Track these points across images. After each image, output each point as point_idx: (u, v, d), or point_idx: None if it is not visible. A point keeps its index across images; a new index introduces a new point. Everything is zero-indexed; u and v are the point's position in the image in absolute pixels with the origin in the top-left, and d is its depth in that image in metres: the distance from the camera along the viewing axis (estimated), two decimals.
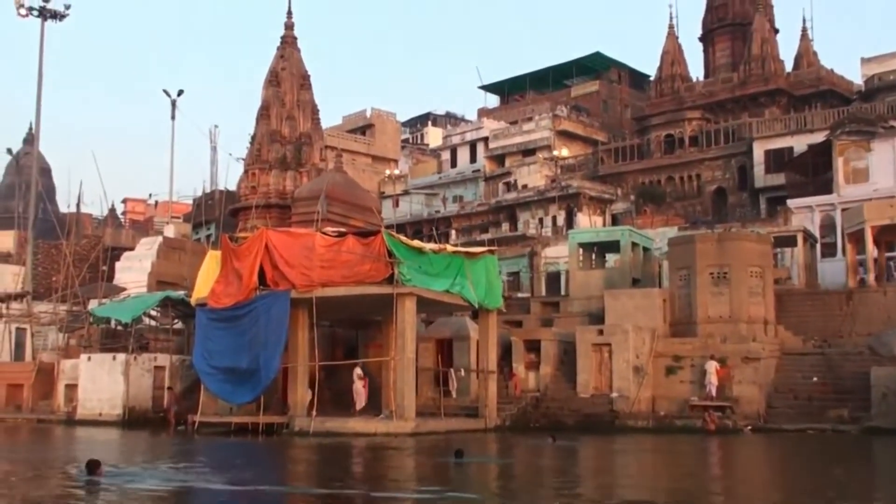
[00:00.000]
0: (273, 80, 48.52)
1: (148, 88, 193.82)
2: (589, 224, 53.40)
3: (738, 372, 30.93)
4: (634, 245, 39.66)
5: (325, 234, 28.08)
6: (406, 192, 67.51)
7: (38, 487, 14.89)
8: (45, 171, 69.50)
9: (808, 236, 40.98)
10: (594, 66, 74.32)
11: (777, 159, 52.91)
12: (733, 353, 31.16)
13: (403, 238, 29.12)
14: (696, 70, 67.05)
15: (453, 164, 68.81)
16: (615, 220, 55.55)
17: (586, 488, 15.38)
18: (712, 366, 30.63)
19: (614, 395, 31.11)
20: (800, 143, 51.87)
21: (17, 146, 68.50)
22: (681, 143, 58.59)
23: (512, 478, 17.23)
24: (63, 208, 66.68)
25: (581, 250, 40.77)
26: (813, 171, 49.39)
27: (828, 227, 44.43)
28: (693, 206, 57.03)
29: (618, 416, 30.51)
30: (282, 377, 29.27)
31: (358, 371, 29.32)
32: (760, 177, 53.63)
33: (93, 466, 14.84)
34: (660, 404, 31.65)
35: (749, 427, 29.15)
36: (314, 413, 27.14)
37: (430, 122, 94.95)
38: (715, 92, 62.29)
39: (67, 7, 49.81)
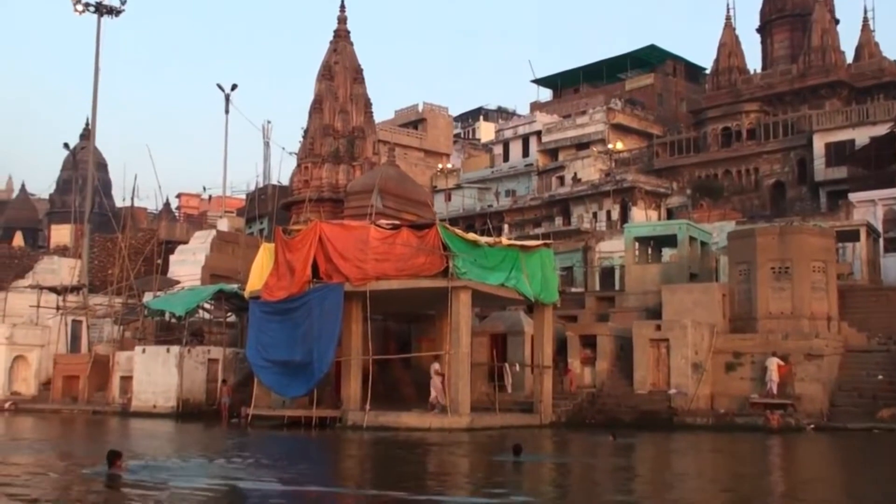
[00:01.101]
0: (326, 73, 48.48)
1: (202, 83, 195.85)
2: (644, 218, 52.59)
3: (800, 369, 30.15)
4: (692, 239, 38.86)
5: (379, 226, 27.79)
6: (458, 187, 67.18)
7: (49, 483, 14.06)
8: (102, 166, 70.31)
9: (870, 231, 39.95)
10: (649, 59, 73.28)
11: (838, 152, 51.71)
12: (795, 350, 30.38)
13: (458, 231, 28.75)
14: (753, 62, 65.94)
15: (506, 158, 68.29)
16: (670, 215, 54.68)
17: (650, 490, 14.72)
18: (774, 363, 29.90)
19: (672, 391, 30.48)
20: (861, 136, 50.67)
21: (74, 142, 69.35)
22: (738, 136, 57.55)
23: (574, 478, 16.55)
24: (119, 203, 67.41)
25: (637, 244, 40.06)
26: (875, 164, 48.14)
27: (891, 221, 43.26)
28: (751, 201, 55.96)
29: (676, 413, 29.88)
30: (335, 371, 29.07)
31: (436, 366, 28.85)
32: (821, 170, 52.46)
33: (112, 458, 13.86)
34: (719, 401, 30.98)
35: (812, 425, 28.39)
36: (367, 407, 26.88)
37: (481, 117, 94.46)
38: (773, 84, 61.10)
39: (123, 3, 50.19)
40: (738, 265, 34.10)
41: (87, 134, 59.70)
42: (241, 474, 14.91)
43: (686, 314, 32.16)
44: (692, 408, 30.26)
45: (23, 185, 74.41)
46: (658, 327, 31.58)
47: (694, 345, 30.90)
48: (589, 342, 33.33)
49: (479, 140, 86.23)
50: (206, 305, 38.59)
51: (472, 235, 29.24)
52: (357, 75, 49.20)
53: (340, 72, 48.67)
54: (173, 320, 38.65)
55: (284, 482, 13.95)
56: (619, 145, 61.64)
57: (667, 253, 41.61)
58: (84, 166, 56.65)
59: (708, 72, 68.79)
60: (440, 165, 70.63)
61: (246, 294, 30.63)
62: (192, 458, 18.10)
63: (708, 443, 25.09)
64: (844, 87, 58.22)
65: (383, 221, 29.27)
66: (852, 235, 39.78)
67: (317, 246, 27.43)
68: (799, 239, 33.00)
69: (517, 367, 31.69)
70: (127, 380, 35.98)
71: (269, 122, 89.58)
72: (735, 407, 30.43)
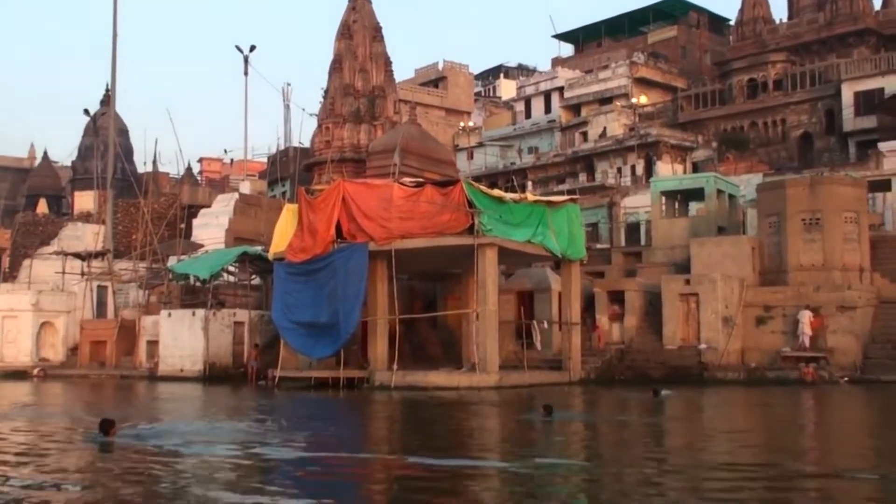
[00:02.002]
0: (345, 32, 47.95)
1: (220, 46, 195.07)
2: (670, 173, 51.91)
3: (832, 321, 29.76)
4: (719, 192, 38.30)
5: (402, 184, 27.43)
6: (480, 145, 66.61)
7: (38, 451, 13.13)
8: (123, 132, 70.01)
9: None
10: (671, 10, 72.07)
11: (867, 101, 50.74)
12: (827, 303, 29.96)
13: (483, 187, 28.32)
14: (779, 11, 64.79)
15: (527, 115, 67.58)
16: (696, 168, 53.95)
17: (711, 451, 13.15)
18: (806, 315, 29.52)
19: (702, 346, 30.14)
20: (891, 84, 49.68)
21: (94, 108, 69.08)
22: (764, 87, 56.61)
23: (607, 437, 15.79)
24: (141, 168, 67.22)
25: (664, 199, 39.50)
26: None
27: None
28: (778, 152, 55.16)
29: (707, 368, 29.57)
30: (361, 331, 28.86)
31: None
32: (849, 120, 51.54)
33: (107, 427, 13.33)
34: (750, 356, 30.65)
35: (846, 378, 28.03)
36: (395, 367, 26.68)
37: (501, 75, 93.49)
38: (800, 33, 59.97)
39: None
40: (767, 217, 33.55)
41: (108, 100, 59.41)
42: (260, 438, 14.43)
43: (715, 268, 31.72)
44: (722, 362, 29.95)
45: (45, 153, 74.22)
46: (687, 281, 31.18)
47: (724, 299, 30.50)
48: (617, 298, 32.96)
49: (499, 98, 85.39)
50: (231, 268, 38.43)
51: (497, 192, 28.84)
52: (376, 34, 48.65)
53: (359, 30, 48.14)
54: (198, 284, 38.55)
55: (309, 447, 13.23)
56: (644, 99, 60.84)
57: (693, 207, 41.06)
58: (105, 132, 56.40)
59: (732, 23, 67.59)
60: (462, 124, 69.99)
61: (270, 256, 30.41)
62: (216, 421, 17.75)
63: (742, 397, 24.70)
64: (872, 35, 57.06)
65: (407, 179, 28.90)
66: (883, 185, 39.15)
67: (340, 205, 27.13)
68: (830, 189, 32.39)
69: (545, 325, 31.36)
70: (153, 344, 35.97)
71: (288, 84, 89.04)
72: (766, 361, 30.12)
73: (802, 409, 21.99)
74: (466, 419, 18.26)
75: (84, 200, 64.70)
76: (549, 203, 29.94)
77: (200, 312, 34.29)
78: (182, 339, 34.23)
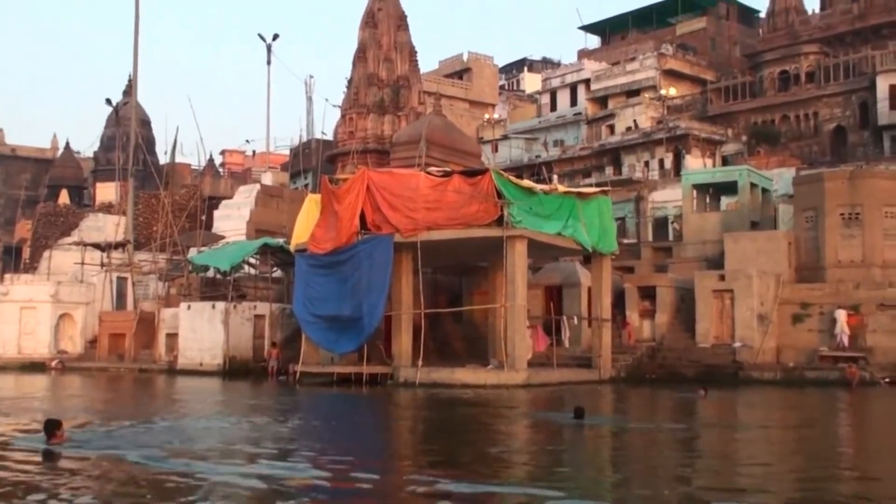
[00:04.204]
0: (369, 21, 47.14)
1: (243, 35, 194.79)
2: (699, 167, 50.77)
3: (872, 320, 28.79)
4: (753, 186, 37.27)
5: (429, 174, 26.56)
6: (505, 137, 65.60)
7: None
8: (145, 123, 69.57)
9: None
10: (700, 1, 70.69)
11: None
12: (867, 300, 28.99)
13: (512, 177, 27.41)
14: (811, 2, 63.44)
15: (553, 107, 66.46)
16: (725, 162, 52.74)
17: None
18: (842, 314, 28.59)
19: (737, 344, 29.18)
20: None
21: (117, 98, 68.66)
22: (796, 79, 55.34)
23: (641, 447, 13.69)
24: (163, 160, 66.76)
25: (695, 192, 38.49)
26: None
27: None
28: (810, 147, 53.89)
29: (741, 367, 28.60)
30: (384, 326, 28.05)
31: None
32: (884, 113, 50.17)
33: (51, 429, 11.52)
34: (785, 355, 29.68)
35: (887, 379, 26.99)
36: (419, 363, 25.85)
37: (525, 68, 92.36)
38: (833, 24, 58.57)
39: None
40: (804, 212, 32.55)
41: (130, 90, 58.93)
42: (250, 446, 12.41)
43: (749, 263, 30.78)
44: (758, 361, 28.99)
45: (67, 143, 73.94)
46: (722, 277, 30.21)
47: (759, 295, 29.53)
48: (648, 294, 32.05)
49: (523, 92, 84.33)
50: (252, 260, 37.75)
51: (527, 182, 27.97)
52: (401, 22, 47.81)
53: (384, 19, 47.32)
54: (218, 276, 37.89)
55: (316, 463, 10.81)
56: (672, 91, 59.63)
57: (724, 202, 40.04)
58: (127, 123, 55.92)
59: (762, 14, 66.24)
60: (486, 115, 69.03)
61: (291, 247, 29.65)
62: (208, 419, 16.72)
63: (781, 399, 23.65)
64: None
65: (434, 169, 28.03)
66: None
67: (364, 195, 26.30)
68: (870, 183, 31.36)
69: (575, 321, 30.43)
70: (173, 337, 35.34)
71: (311, 76, 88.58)
72: (803, 360, 29.16)
73: (878, 415, 20.75)
74: (492, 423, 16.82)
75: (106, 191, 64.41)
76: (580, 195, 29.05)
77: (220, 305, 33.61)
78: (202, 332, 33.55)
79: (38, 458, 10.87)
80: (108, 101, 64.97)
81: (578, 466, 11.13)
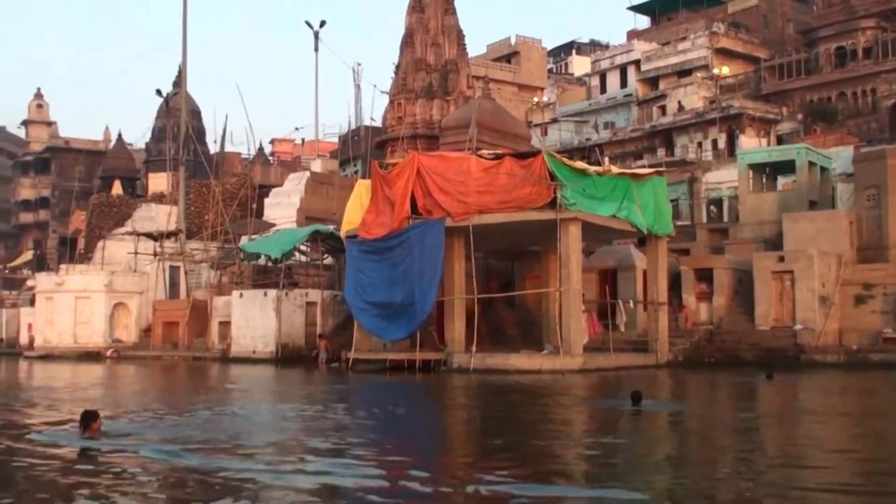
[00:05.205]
0: (417, 5, 46.76)
1: (290, 22, 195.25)
2: (754, 146, 49.73)
3: None
4: (811, 165, 36.31)
5: (480, 156, 26.16)
6: (554, 121, 64.92)
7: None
8: (195, 114, 69.97)
9: None
10: None
11: None
12: None
13: (565, 159, 26.92)
14: None
15: (602, 89, 65.63)
16: (780, 141, 51.63)
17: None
18: None
19: (798, 327, 28.47)
20: None
21: (167, 89, 69.19)
22: (853, 55, 53.96)
23: (700, 432, 13.19)
24: (213, 149, 67.13)
25: (751, 172, 37.63)
26: None
27: None
28: (868, 124, 52.53)
29: (803, 350, 27.89)
30: (436, 311, 27.75)
31: None
32: None
33: (87, 421, 10.87)
34: (848, 337, 28.95)
35: None
36: (473, 349, 25.51)
37: (574, 52, 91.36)
38: None
39: None
40: (865, 190, 31.68)
41: (180, 81, 59.21)
42: (291, 442, 11.71)
43: (809, 244, 30.00)
44: (819, 344, 28.24)
45: (119, 135, 74.66)
46: (781, 258, 29.49)
47: (821, 276, 28.78)
48: (704, 276, 31.41)
49: (572, 75, 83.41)
50: (302, 247, 37.68)
51: (580, 164, 27.46)
52: (448, 6, 47.38)
53: (431, 3, 46.91)
54: (269, 264, 37.89)
55: (364, 458, 10.33)
56: (725, 70, 58.48)
57: (780, 181, 39.13)
58: (177, 113, 56.22)
59: None
60: (535, 99, 68.34)
61: (342, 232, 29.43)
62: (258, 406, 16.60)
63: (849, 383, 22.79)
64: None
65: (485, 151, 27.62)
66: None
67: (415, 179, 25.99)
68: None
69: (630, 304, 29.88)
70: (225, 325, 35.41)
71: (359, 64, 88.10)
72: (866, 343, 28.40)
73: None
74: (553, 412, 16.20)
75: (157, 181, 64.94)
76: (634, 176, 28.47)
77: (272, 293, 33.56)
78: (254, 319, 33.54)
79: (74, 454, 10.41)
80: (159, 92, 65.36)
81: (655, 464, 10.17)
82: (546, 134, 63.97)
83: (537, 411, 16.13)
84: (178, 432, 12.17)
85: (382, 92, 51.58)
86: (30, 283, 52.12)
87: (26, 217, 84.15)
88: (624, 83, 64.05)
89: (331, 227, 34.43)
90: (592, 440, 12.28)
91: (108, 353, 37.13)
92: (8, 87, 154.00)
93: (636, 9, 76.77)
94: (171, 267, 41.15)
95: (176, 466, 9.49)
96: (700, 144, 53.56)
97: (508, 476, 8.85)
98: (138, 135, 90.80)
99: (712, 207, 44.35)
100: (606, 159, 55.06)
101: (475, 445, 12.19)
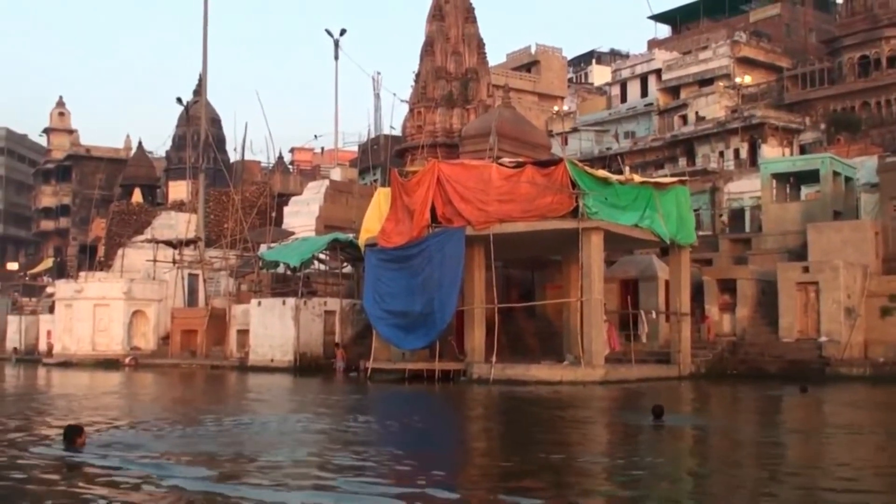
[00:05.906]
0: (437, 13, 46.64)
1: (310, 31, 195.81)
2: (777, 156, 49.26)
3: None
4: (835, 175, 35.84)
5: (501, 164, 25.90)
6: (575, 130, 64.65)
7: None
8: (215, 122, 70.18)
9: None
10: None
11: None
12: None
13: (587, 168, 26.62)
14: None
15: (623, 98, 65.30)
16: (803, 151, 51.12)
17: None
18: None
19: (823, 339, 28.01)
20: None
21: (187, 97, 69.37)
22: (877, 64, 53.52)
23: (724, 451, 12.60)
24: (233, 157, 67.25)
25: (774, 182, 37.19)
26: None
27: None
28: (892, 133, 51.93)
29: (828, 362, 27.42)
30: (456, 321, 27.47)
31: None
32: None
33: (72, 436, 10.97)
34: (873, 349, 28.46)
35: None
36: (493, 360, 25.22)
37: (594, 61, 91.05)
38: None
39: None
40: (892, 200, 31.25)
41: (200, 89, 59.32)
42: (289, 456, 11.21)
43: (834, 254, 29.54)
44: (845, 357, 27.76)
45: (139, 143, 74.82)
46: (806, 269, 29.04)
47: (846, 287, 28.32)
48: (727, 287, 30.99)
49: (592, 84, 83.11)
50: (321, 256, 37.54)
51: (602, 172, 27.19)
52: (468, 14, 47.23)
53: (451, 11, 46.76)
54: (288, 272, 37.76)
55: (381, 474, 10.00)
56: (748, 79, 58.05)
57: (804, 192, 38.67)
58: (197, 122, 56.31)
59: None
60: (555, 108, 68.09)
61: (361, 241, 29.23)
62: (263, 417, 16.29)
63: (885, 397, 22.35)
64: None
65: (506, 160, 27.37)
66: None
67: (435, 188, 25.74)
68: None
69: (653, 315, 29.52)
70: (244, 333, 35.27)
71: (378, 73, 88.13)
72: (892, 355, 27.88)
73: None
74: (575, 426, 15.74)
75: (177, 189, 65.10)
76: (657, 185, 28.14)
77: (291, 301, 33.41)
78: (272, 328, 33.40)
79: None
80: (179, 101, 65.51)
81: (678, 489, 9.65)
82: (566, 143, 63.69)
83: (558, 425, 15.83)
84: (186, 445, 11.90)
85: (402, 100, 51.62)
86: (49, 290, 52.22)
87: (47, 224, 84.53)
88: (644, 92, 63.72)
89: (350, 236, 34.27)
90: (608, 460, 11.56)
91: (127, 360, 37.07)
92: (30, 95, 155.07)
93: (657, 18, 76.53)
94: (189, 275, 41.09)
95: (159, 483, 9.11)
96: (721, 154, 53.15)
97: (535, 497, 8.54)
98: (159, 143, 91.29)
99: (723, 218, 43.89)
100: (627, 169, 54.86)
101: (498, 462, 11.59)
